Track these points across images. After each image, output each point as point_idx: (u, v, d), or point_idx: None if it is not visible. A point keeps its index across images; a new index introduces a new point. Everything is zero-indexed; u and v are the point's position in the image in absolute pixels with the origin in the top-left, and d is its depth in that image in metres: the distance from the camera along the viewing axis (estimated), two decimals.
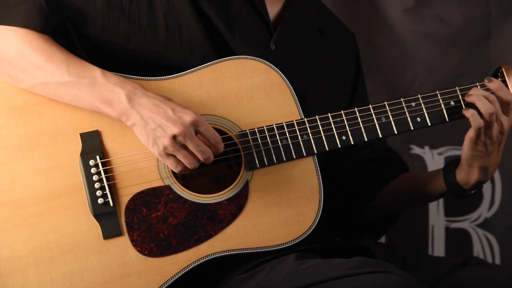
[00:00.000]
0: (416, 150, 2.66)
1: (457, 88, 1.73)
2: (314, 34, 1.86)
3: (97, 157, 1.62)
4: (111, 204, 1.61)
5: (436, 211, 2.60)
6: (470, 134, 1.65)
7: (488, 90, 1.68)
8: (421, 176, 1.90)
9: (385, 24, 2.62)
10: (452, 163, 1.77)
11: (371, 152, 1.94)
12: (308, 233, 1.63)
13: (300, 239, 1.63)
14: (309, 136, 1.68)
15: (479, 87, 1.72)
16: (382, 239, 2.54)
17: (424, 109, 1.72)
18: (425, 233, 2.61)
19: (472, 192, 1.76)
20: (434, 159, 2.64)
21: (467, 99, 1.67)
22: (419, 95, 1.73)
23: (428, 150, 2.65)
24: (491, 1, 2.59)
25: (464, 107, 1.70)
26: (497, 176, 2.60)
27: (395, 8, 2.61)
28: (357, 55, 2.01)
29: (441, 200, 2.60)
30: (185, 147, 1.40)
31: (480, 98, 1.64)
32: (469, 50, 2.63)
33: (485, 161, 1.68)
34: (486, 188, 2.58)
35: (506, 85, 1.73)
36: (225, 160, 1.71)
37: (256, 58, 1.69)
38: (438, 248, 2.58)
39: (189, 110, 1.41)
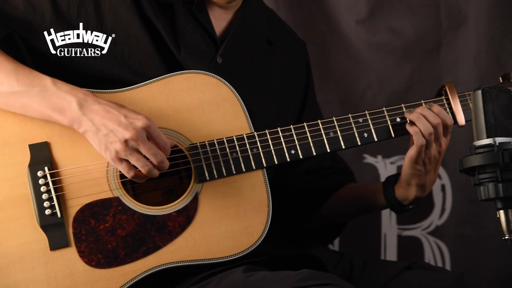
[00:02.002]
0: (369, 159, 2.70)
1: (403, 105, 1.78)
2: (263, 45, 1.88)
3: (46, 168, 1.62)
4: (59, 215, 1.61)
5: (388, 219, 2.66)
6: (411, 152, 1.71)
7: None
8: (364, 188, 1.94)
9: (339, 34, 2.65)
10: (391, 179, 1.82)
11: (319, 161, 1.98)
12: (257, 245, 1.66)
13: (249, 251, 1.65)
14: (259, 150, 1.70)
15: (424, 104, 1.77)
16: (335, 248, 2.58)
17: (371, 125, 1.76)
18: (378, 241, 2.65)
19: (410, 207, 1.81)
20: (386, 168, 2.69)
21: (409, 116, 1.72)
22: (366, 112, 1.77)
23: (381, 159, 2.70)
24: (441, 13, 2.65)
25: (408, 121, 1.75)
26: (447, 184, 2.66)
27: (348, 19, 2.65)
28: (307, 63, 2.04)
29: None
30: (137, 151, 1.40)
31: (420, 118, 1.69)
32: (421, 60, 2.68)
33: (423, 179, 1.74)
34: (437, 196, 2.64)
35: (450, 103, 1.79)
36: (176, 173, 1.72)
37: (207, 72, 1.71)
38: (390, 255, 2.63)
39: (141, 115, 1.42)
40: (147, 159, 1.45)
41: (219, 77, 1.72)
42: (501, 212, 1.49)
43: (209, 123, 1.70)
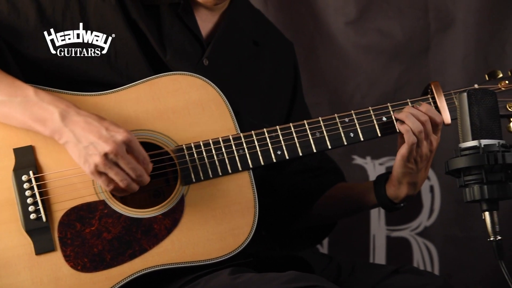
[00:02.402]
0: (358, 160, 2.70)
1: (388, 104, 1.78)
2: (249, 47, 1.88)
3: (30, 172, 1.61)
4: (44, 219, 1.60)
5: (377, 220, 2.66)
6: (403, 151, 1.71)
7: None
8: (355, 188, 1.94)
9: (328, 36, 2.65)
10: (382, 178, 1.83)
11: (308, 161, 1.98)
12: (243, 246, 1.65)
13: (235, 253, 1.65)
14: (245, 151, 1.70)
15: (410, 103, 1.77)
16: (325, 250, 2.58)
17: (357, 124, 1.76)
18: (367, 242, 2.65)
19: (402, 205, 1.81)
20: (375, 169, 2.69)
21: (397, 116, 1.73)
22: (352, 111, 1.77)
23: (369, 160, 2.70)
24: (430, 15, 2.65)
25: (395, 122, 1.75)
26: (436, 185, 2.66)
27: (337, 20, 2.65)
28: (295, 64, 2.04)
29: (382, 209, 2.65)
30: (117, 165, 1.40)
31: (410, 117, 1.70)
32: (409, 62, 2.69)
33: (415, 177, 1.74)
34: (426, 197, 2.64)
35: (436, 102, 1.79)
36: (163, 175, 1.71)
37: (193, 74, 1.70)
38: (379, 256, 2.63)
39: (122, 129, 1.41)
40: (127, 173, 1.42)
41: (205, 79, 1.71)
42: (487, 213, 1.49)
43: (194, 124, 1.69)
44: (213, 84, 1.71)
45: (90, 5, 1.68)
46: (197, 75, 1.71)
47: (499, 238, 1.49)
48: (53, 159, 1.62)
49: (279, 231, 1.99)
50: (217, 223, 1.66)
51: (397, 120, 1.74)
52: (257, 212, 1.67)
